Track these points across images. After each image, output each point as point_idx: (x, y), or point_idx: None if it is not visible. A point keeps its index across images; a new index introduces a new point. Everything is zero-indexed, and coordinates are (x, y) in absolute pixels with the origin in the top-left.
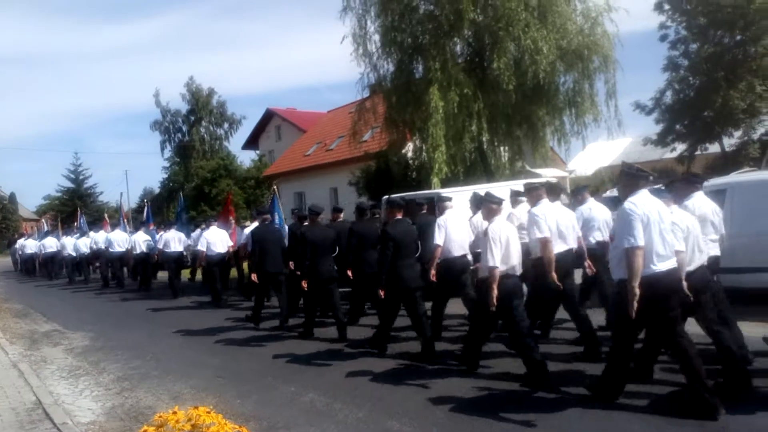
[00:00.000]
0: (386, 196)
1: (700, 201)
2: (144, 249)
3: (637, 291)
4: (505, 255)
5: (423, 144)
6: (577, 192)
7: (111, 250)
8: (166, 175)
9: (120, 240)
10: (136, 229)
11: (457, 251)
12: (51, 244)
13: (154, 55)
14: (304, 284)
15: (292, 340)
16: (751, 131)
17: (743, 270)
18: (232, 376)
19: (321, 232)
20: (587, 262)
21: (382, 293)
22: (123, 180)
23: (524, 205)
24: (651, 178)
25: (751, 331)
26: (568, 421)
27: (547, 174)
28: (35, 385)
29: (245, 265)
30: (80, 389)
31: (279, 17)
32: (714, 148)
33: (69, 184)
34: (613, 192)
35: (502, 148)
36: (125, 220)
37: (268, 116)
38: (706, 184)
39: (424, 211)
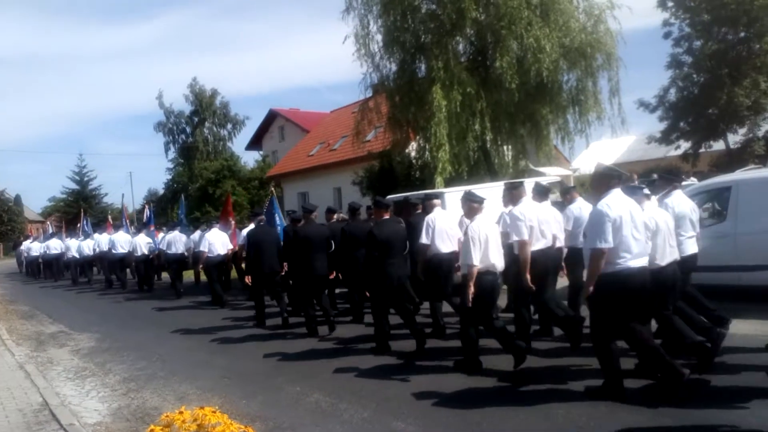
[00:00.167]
0: (372, 197)
1: (678, 199)
2: (145, 251)
3: (591, 289)
4: (484, 253)
5: (426, 143)
6: (566, 192)
7: (114, 251)
8: (170, 177)
9: (122, 241)
10: (138, 230)
11: (445, 248)
12: (55, 246)
13: (156, 57)
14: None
15: (296, 340)
16: (755, 128)
17: (748, 268)
18: (237, 377)
19: (315, 229)
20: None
21: (367, 294)
22: (127, 181)
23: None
24: (622, 177)
25: (757, 329)
26: (575, 418)
27: (551, 172)
28: (42, 387)
29: (244, 266)
30: (87, 390)
31: (281, 17)
32: (718, 145)
33: (74, 186)
34: None
35: (505, 147)
36: (127, 222)
37: (272, 117)
38: (702, 182)
39: (419, 211)
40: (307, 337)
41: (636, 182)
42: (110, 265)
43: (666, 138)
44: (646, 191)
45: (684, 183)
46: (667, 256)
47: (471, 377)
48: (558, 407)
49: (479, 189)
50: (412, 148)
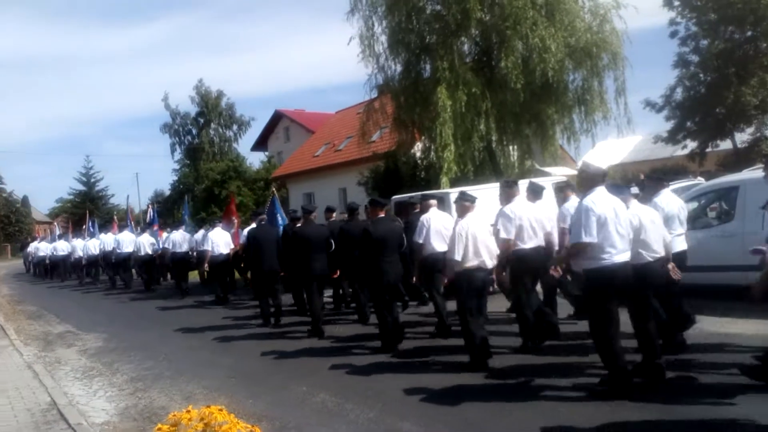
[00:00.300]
0: (372, 198)
1: (667, 198)
2: (149, 251)
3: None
4: (474, 250)
5: (431, 144)
6: (561, 190)
7: (118, 251)
8: (176, 177)
9: (127, 242)
10: (142, 231)
11: (440, 248)
12: (62, 246)
13: (162, 58)
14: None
15: (301, 340)
16: (763, 127)
17: (756, 268)
18: (243, 376)
19: (314, 229)
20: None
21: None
22: (134, 182)
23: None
24: (606, 176)
25: (759, 329)
26: (575, 416)
27: (557, 172)
28: (50, 386)
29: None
30: (94, 390)
31: (286, 19)
32: (726, 144)
33: (81, 187)
34: None
35: (511, 147)
36: (132, 223)
37: (277, 118)
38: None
39: (417, 210)
40: (311, 336)
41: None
42: (115, 265)
43: (672, 137)
44: (635, 190)
45: (691, 183)
46: (657, 251)
47: (477, 376)
48: (562, 405)
49: (484, 189)
50: (418, 149)
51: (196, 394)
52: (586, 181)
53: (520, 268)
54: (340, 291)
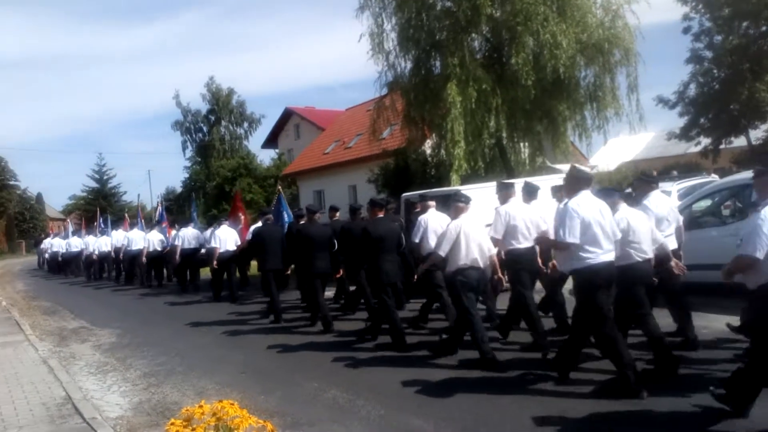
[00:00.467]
0: (376, 195)
1: (657, 200)
2: (158, 247)
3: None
4: (467, 249)
5: (441, 140)
6: (558, 190)
7: (129, 248)
8: (187, 175)
9: (137, 239)
10: (151, 228)
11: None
12: (76, 243)
13: (174, 57)
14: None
15: (312, 336)
16: None
17: None
18: (254, 372)
19: (317, 229)
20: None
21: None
22: (146, 180)
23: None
24: (592, 181)
25: None
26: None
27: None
28: (65, 381)
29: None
30: (108, 385)
31: (296, 16)
32: (740, 141)
33: (94, 184)
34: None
35: (521, 144)
36: (143, 220)
37: (287, 115)
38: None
39: (417, 210)
40: (323, 333)
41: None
42: (125, 261)
43: (686, 134)
44: (628, 191)
45: (705, 180)
46: (646, 252)
47: (488, 374)
48: (568, 402)
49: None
50: (428, 146)
51: (208, 389)
52: (573, 184)
53: (516, 267)
54: (343, 290)
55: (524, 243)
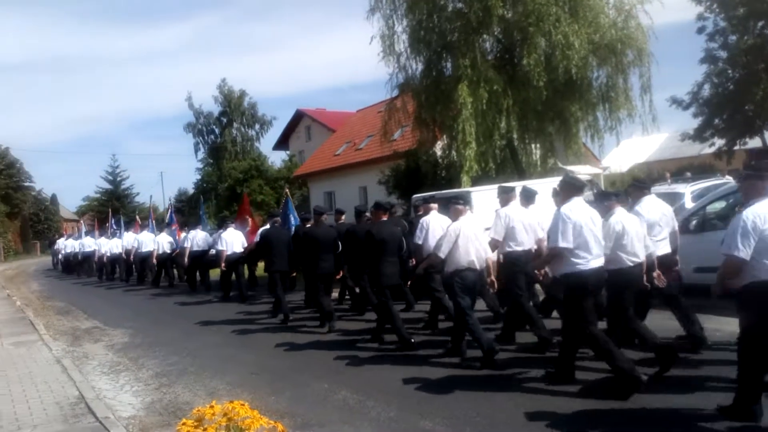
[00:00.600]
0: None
1: (648, 205)
2: (167, 249)
3: (545, 269)
4: (464, 251)
5: (453, 142)
6: (557, 194)
7: (139, 250)
8: (199, 176)
9: (147, 241)
10: (160, 230)
11: None
12: (89, 244)
13: (186, 59)
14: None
15: (322, 337)
16: None
17: None
18: (265, 373)
19: (323, 230)
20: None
21: (357, 289)
22: (158, 181)
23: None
24: (585, 188)
25: None
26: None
27: (581, 171)
28: (78, 380)
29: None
30: (121, 384)
31: (307, 19)
32: (754, 142)
33: (107, 186)
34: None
35: (533, 145)
36: (153, 222)
37: (298, 117)
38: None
39: (421, 212)
40: (331, 333)
41: (669, 181)
42: (136, 262)
43: (700, 135)
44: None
45: (719, 181)
46: (639, 256)
47: (496, 376)
48: (574, 401)
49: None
50: (438, 147)
51: (219, 389)
52: (566, 191)
53: (513, 269)
54: (347, 291)
55: (522, 246)
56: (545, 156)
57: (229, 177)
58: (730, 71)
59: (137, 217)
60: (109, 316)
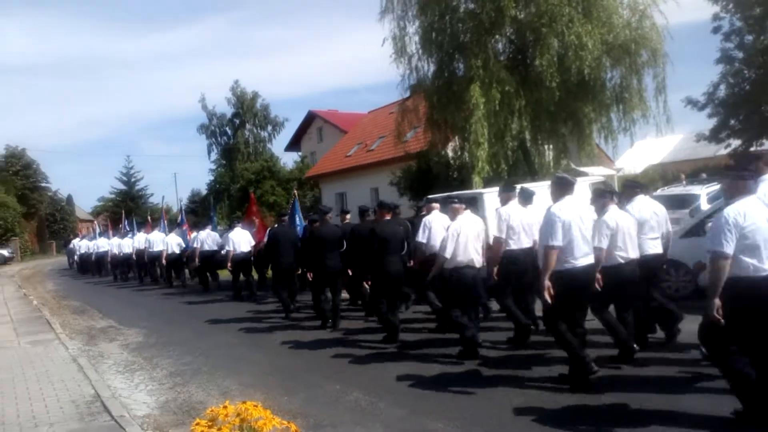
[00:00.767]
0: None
1: (639, 205)
2: (176, 249)
3: (548, 283)
4: (464, 249)
5: (464, 143)
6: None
7: (150, 250)
8: (212, 177)
9: (158, 241)
10: (170, 230)
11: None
12: (102, 244)
13: (200, 61)
14: (310, 275)
15: (335, 338)
16: None
17: None
18: (278, 373)
19: (328, 230)
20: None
21: (367, 285)
22: (172, 182)
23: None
24: (574, 187)
25: None
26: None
27: (594, 173)
28: (94, 379)
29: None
30: (135, 383)
31: (319, 21)
32: None
33: (122, 186)
34: (665, 191)
35: (546, 146)
36: (165, 223)
37: (310, 118)
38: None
39: (424, 213)
40: (346, 334)
41: (684, 183)
42: (148, 262)
43: (715, 136)
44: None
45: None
46: (629, 253)
47: (507, 378)
48: (592, 406)
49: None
50: (450, 148)
51: (232, 389)
52: (557, 190)
53: (509, 268)
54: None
55: (519, 245)
56: (558, 157)
57: (241, 178)
58: (746, 71)
59: (149, 218)
60: (124, 315)
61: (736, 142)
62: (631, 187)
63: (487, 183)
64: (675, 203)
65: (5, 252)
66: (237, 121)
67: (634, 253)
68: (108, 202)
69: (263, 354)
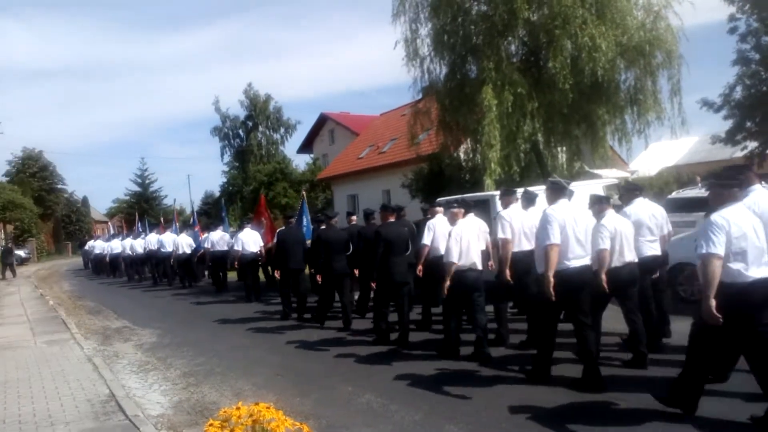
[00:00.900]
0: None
1: (636, 207)
2: (187, 250)
3: (552, 279)
4: (466, 252)
5: (476, 145)
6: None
7: (162, 251)
8: (225, 179)
9: (168, 241)
10: (181, 231)
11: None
12: (116, 245)
13: (213, 64)
14: (319, 278)
15: (348, 340)
16: None
17: None
18: (290, 375)
19: (334, 233)
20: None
21: (373, 285)
22: (186, 184)
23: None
24: (569, 191)
25: None
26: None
27: (608, 175)
28: (108, 379)
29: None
30: (150, 383)
31: (331, 24)
32: None
33: (136, 188)
34: (680, 193)
35: (559, 149)
36: (177, 224)
37: (322, 120)
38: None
39: (429, 216)
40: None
41: (699, 185)
42: (157, 263)
43: (731, 138)
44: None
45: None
46: (626, 257)
47: (519, 380)
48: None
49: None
50: (462, 151)
51: (245, 390)
52: (552, 193)
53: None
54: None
55: (520, 247)
56: (571, 159)
57: (254, 180)
58: (763, 73)
59: (161, 219)
60: (138, 316)
61: (752, 144)
62: (630, 190)
63: (499, 185)
64: (690, 206)
65: (22, 253)
66: (250, 124)
67: (630, 256)
68: (123, 204)
69: (276, 355)
